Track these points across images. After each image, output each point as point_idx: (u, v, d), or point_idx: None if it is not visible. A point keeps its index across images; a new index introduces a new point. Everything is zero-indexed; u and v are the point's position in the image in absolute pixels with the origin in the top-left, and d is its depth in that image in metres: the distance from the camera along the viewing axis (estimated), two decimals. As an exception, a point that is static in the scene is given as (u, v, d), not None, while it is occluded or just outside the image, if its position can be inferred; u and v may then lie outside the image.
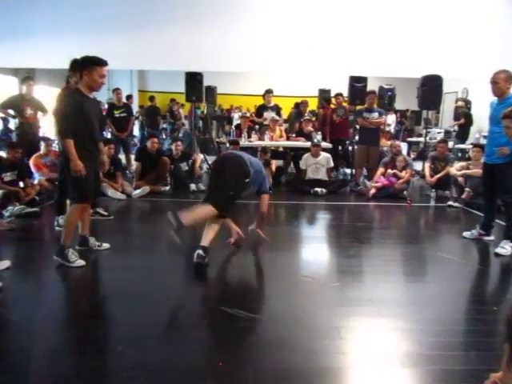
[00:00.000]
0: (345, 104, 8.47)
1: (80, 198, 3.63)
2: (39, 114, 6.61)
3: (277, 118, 8.22)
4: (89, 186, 3.62)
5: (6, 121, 7.67)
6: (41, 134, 6.85)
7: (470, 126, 9.64)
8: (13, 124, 6.64)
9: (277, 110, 8.45)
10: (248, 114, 9.23)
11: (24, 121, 6.37)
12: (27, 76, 7.10)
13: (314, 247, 4.52)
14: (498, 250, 4.12)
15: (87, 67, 3.51)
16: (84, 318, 2.83)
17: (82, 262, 3.59)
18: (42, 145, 6.24)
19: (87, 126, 3.55)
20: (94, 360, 2.33)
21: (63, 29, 7.18)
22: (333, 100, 9.11)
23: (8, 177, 5.56)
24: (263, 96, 8.47)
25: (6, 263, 3.46)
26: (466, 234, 4.65)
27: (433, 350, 2.45)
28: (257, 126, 8.60)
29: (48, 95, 7.56)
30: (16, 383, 2.14)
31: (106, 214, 5.18)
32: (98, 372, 2.22)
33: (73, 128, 3.46)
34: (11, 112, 6.40)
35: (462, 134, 9.43)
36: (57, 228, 4.50)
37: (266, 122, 8.28)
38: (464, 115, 9.53)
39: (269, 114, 8.25)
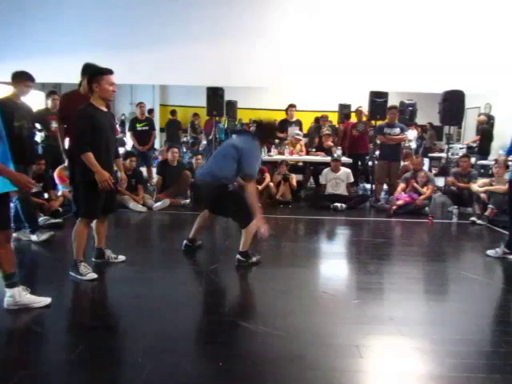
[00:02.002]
0: (364, 118, 8.45)
1: (87, 213, 3.64)
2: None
3: (300, 136, 8.23)
4: (98, 202, 3.61)
5: (32, 134, 7.85)
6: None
7: (490, 142, 9.51)
8: (39, 137, 6.79)
9: (299, 125, 8.47)
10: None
11: (49, 134, 6.52)
12: (52, 90, 7.29)
13: (334, 263, 4.48)
14: None
15: (95, 78, 3.52)
16: (102, 330, 2.85)
17: (94, 275, 3.62)
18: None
19: (101, 139, 3.53)
20: (114, 372, 2.35)
21: (88, 45, 7.36)
22: (353, 115, 9.10)
23: (34, 188, 5.68)
24: (286, 110, 8.50)
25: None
26: (490, 252, 4.55)
27: (456, 371, 2.40)
28: (276, 141, 8.62)
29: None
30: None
31: None
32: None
33: (88, 142, 3.46)
34: (37, 126, 6.57)
35: (482, 150, 9.30)
36: None
37: (289, 138, 8.31)
38: (481, 132, 9.41)
39: (293, 130, 8.26)
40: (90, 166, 3.46)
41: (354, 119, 9.06)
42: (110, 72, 3.60)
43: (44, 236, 4.74)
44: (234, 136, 4.19)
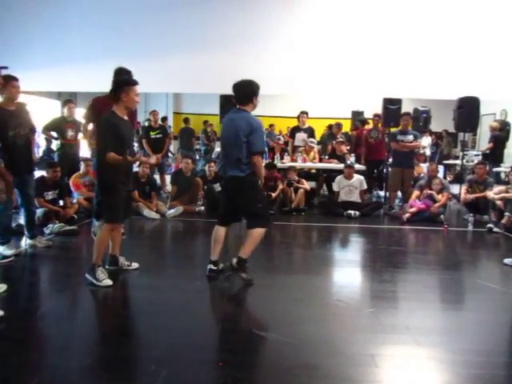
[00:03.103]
0: (379, 126, 8.40)
1: (112, 218, 3.73)
2: (80, 135, 6.86)
3: (314, 143, 8.22)
4: (121, 207, 3.70)
5: (49, 142, 8.01)
6: (81, 155, 7.10)
7: (503, 149, 9.40)
8: (55, 145, 6.89)
9: (310, 131, 8.46)
10: (282, 141, 9.24)
11: (65, 142, 6.61)
12: (68, 99, 7.39)
13: (348, 271, 4.45)
14: None
15: (125, 88, 3.62)
16: (117, 337, 2.87)
17: (109, 282, 3.65)
18: (82, 165, 6.46)
19: (123, 147, 3.63)
20: (127, 380, 2.35)
21: (102, 54, 7.48)
22: (369, 121, 9.06)
23: (49, 195, 5.78)
24: (298, 117, 8.51)
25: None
26: (508, 260, 4.48)
27: (473, 382, 2.35)
28: (288, 148, 8.62)
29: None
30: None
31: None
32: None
33: (110, 151, 3.54)
34: (54, 134, 6.67)
35: (493, 157, 9.18)
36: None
37: (296, 143, 8.30)
38: (494, 139, 9.30)
39: (301, 136, 8.27)
40: (117, 163, 3.52)
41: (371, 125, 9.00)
42: (137, 83, 3.71)
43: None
44: (227, 122, 3.96)
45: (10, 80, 4.36)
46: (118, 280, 3.83)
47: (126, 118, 3.73)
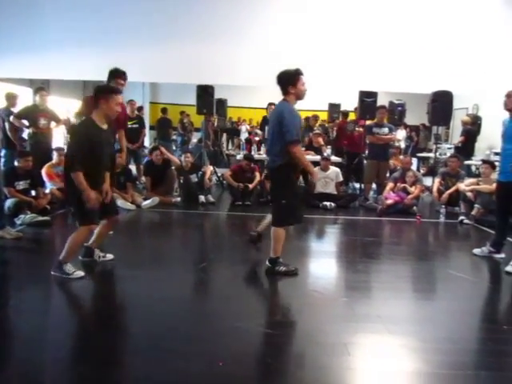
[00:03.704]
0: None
1: (86, 221, 3.57)
2: (52, 124, 6.70)
3: None
4: (94, 209, 3.51)
5: (20, 131, 7.79)
6: (53, 144, 6.94)
7: (474, 142, 9.63)
8: (26, 134, 6.71)
9: None
10: (260, 133, 9.23)
11: (37, 131, 6.45)
12: (40, 87, 7.20)
13: (323, 262, 4.50)
14: (509, 269, 4.07)
15: (104, 95, 3.50)
16: (92, 329, 2.84)
17: (81, 273, 3.56)
18: (55, 154, 6.32)
19: (97, 155, 3.48)
20: (102, 371, 2.33)
21: (76, 42, 7.32)
22: (352, 115, 9.12)
23: (21, 185, 5.63)
24: (266, 109, 8.51)
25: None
26: (476, 251, 4.61)
27: (443, 368, 2.43)
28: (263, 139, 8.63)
29: (61, 106, 7.69)
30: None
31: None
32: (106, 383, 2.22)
33: (82, 160, 3.38)
34: (25, 122, 6.49)
35: (465, 150, 9.39)
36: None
37: (266, 136, 8.29)
38: (466, 133, 9.52)
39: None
40: (77, 184, 3.38)
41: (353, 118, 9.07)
42: (119, 92, 3.61)
43: None
44: (271, 113, 3.89)
45: None
46: (94, 271, 3.78)
47: (104, 126, 3.56)
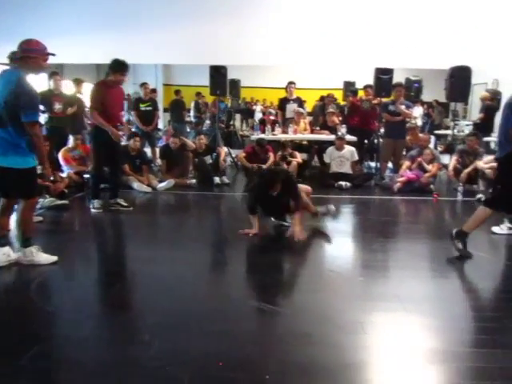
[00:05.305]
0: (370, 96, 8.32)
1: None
2: (68, 108, 6.75)
3: (301, 110, 8.15)
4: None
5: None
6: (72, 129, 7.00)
7: (493, 119, 9.38)
8: (43, 118, 6.78)
9: (299, 102, 8.38)
10: (274, 112, 9.18)
11: (53, 115, 6.51)
12: (54, 71, 7.23)
13: (339, 242, 4.49)
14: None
15: None
16: (112, 308, 2.91)
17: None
18: (71, 138, 6.38)
19: None
20: (123, 349, 2.40)
21: (89, 26, 7.31)
22: (360, 92, 8.97)
23: (38, 170, 5.70)
24: (285, 88, 8.41)
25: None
26: (495, 229, 4.55)
27: (460, 346, 2.43)
28: (279, 120, 8.56)
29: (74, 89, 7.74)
30: (50, 369, 2.24)
31: (125, 204, 5.32)
32: (126, 361, 2.28)
33: None
34: (41, 107, 6.54)
35: (484, 127, 9.17)
36: (93, 210, 5.06)
37: (288, 116, 8.23)
38: (485, 109, 9.28)
39: (291, 106, 8.19)
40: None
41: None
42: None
43: None
44: None
45: None
46: (114, 251, 3.85)
47: None
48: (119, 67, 4.85)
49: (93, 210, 5.15)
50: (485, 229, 4.68)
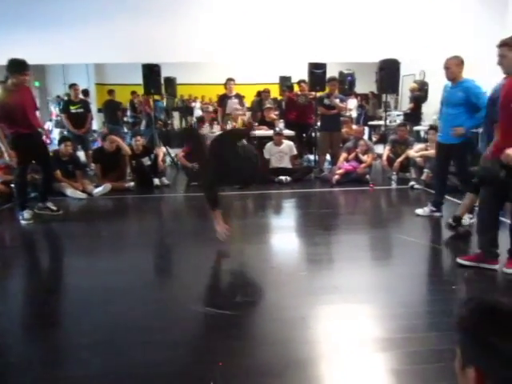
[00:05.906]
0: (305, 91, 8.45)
1: None
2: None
3: (239, 110, 8.09)
4: None
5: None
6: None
7: (420, 109, 9.88)
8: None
9: (239, 98, 8.35)
10: (211, 109, 9.10)
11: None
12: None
13: (281, 237, 4.54)
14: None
15: None
16: (45, 328, 2.75)
17: None
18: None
19: None
20: (60, 370, 2.27)
21: (15, 24, 6.90)
22: (296, 87, 9.09)
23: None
24: (225, 85, 8.34)
25: None
26: (419, 211, 4.88)
27: (397, 333, 2.52)
28: (218, 117, 8.49)
29: None
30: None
31: (55, 209, 5.13)
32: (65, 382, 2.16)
33: None
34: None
35: (414, 116, 9.64)
36: (22, 222, 4.82)
37: (228, 111, 8.17)
38: (414, 99, 9.75)
39: (233, 103, 8.12)
40: None
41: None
42: None
43: None
44: None
45: None
46: (44, 264, 3.64)
47: None
48: (17, 67, 4.49)
49: (22, 222, 4.84)
50: (416, 215, 4.91)
